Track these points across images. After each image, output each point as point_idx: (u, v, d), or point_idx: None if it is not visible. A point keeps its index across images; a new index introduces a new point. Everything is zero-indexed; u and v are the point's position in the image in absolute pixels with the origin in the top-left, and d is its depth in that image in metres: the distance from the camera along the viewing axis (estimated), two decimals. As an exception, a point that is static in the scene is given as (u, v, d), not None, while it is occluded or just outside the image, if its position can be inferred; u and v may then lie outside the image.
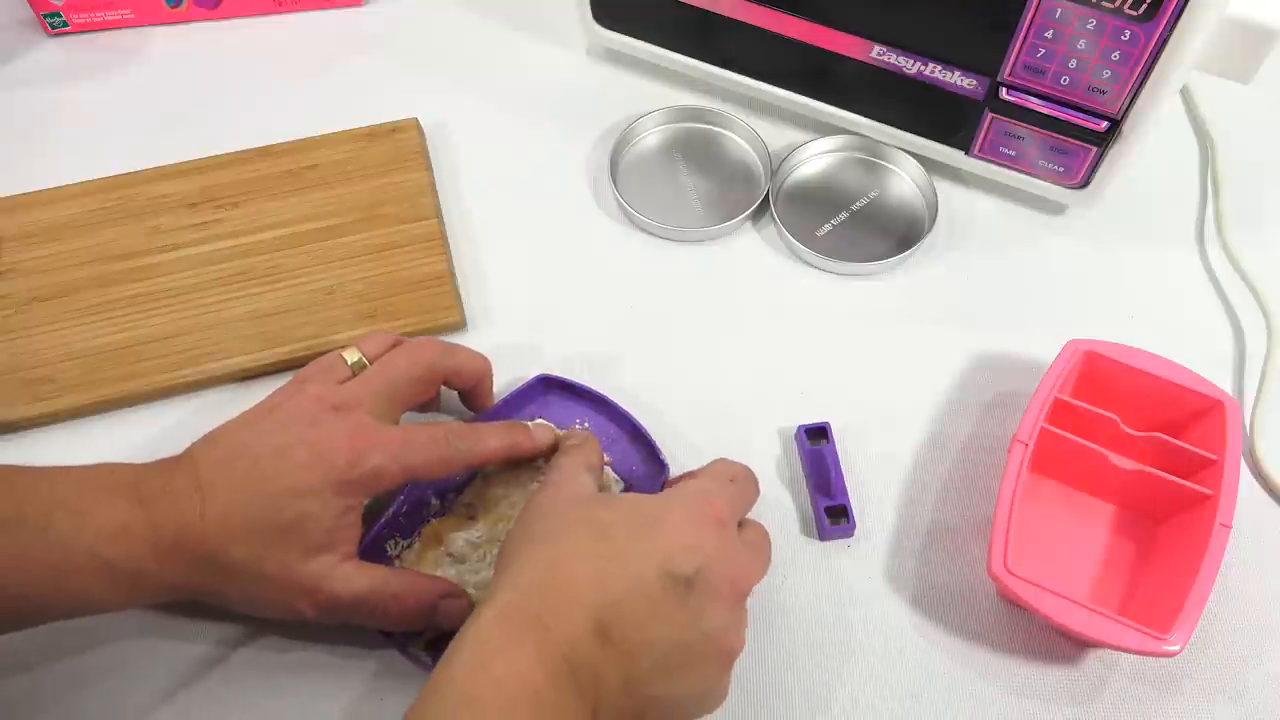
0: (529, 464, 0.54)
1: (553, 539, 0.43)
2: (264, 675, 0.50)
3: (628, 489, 0.54)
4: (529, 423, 0.53)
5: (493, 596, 0.41)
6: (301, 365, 0.58)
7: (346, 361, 0.51)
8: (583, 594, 0.40)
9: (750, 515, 0.50)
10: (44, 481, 0.45)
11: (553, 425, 0.54)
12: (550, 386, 0.57)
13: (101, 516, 0.44)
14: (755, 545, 0.47)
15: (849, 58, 0.60)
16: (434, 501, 0.54)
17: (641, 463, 0.55)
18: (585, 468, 0.49)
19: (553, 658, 0.39)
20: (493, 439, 0.50)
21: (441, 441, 0.49)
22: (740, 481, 0.49)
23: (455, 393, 0.56)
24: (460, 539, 0.52)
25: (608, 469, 0.54)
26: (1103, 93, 0.55)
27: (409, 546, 0.52)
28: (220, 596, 0.47)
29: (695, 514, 0.44)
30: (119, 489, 0.45)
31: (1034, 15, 0.53)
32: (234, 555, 0.45)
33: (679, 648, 0.41)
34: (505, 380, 0.57)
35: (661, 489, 0.53)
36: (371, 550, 0.51)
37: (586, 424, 0.56)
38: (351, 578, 0.46)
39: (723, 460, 0.50)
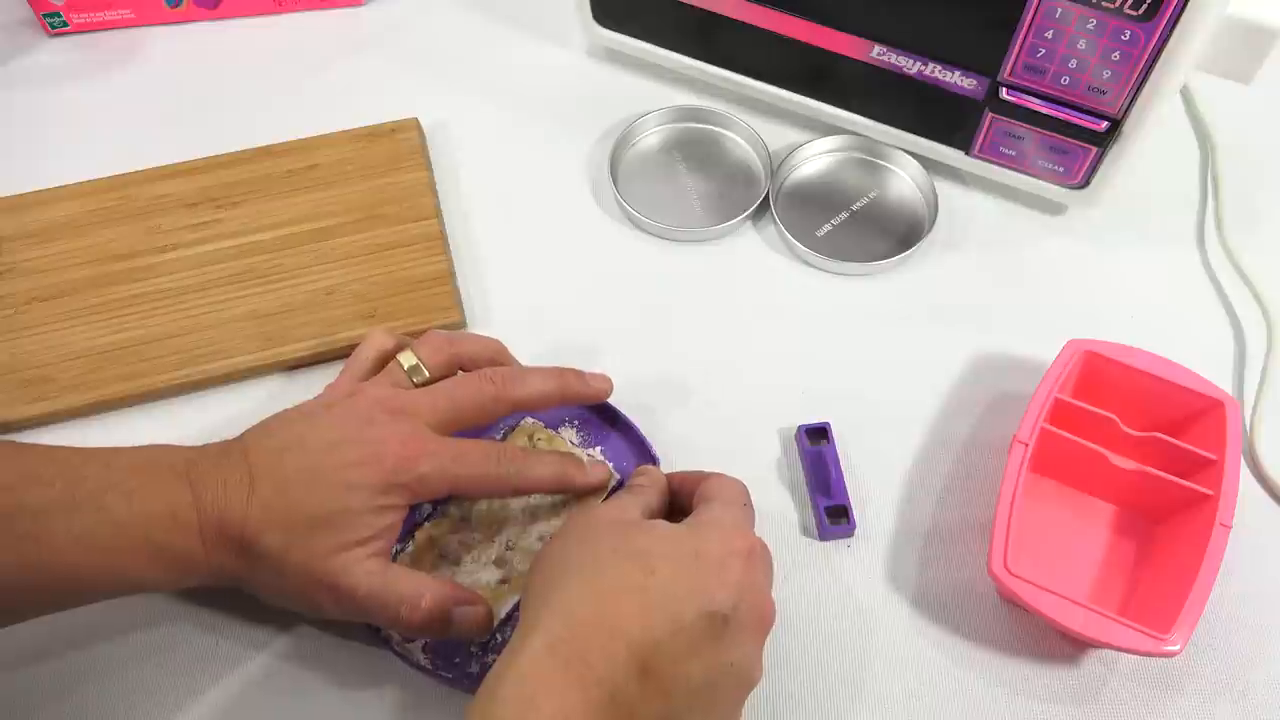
0: None
1: (598, 570, 0.43)
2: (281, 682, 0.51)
3: (620, 485, 0.54)
4: (587, 456, 0.54)
5: (537, 625, 0.41)
6: (302, 366, 0.59)
7: (403, 366, 0.51)
8: (628, 631, 0.40)
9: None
10: (95, 463, 0.46)
11: (609, 465, 0.53)
12: None
13: (152, 499, 0.45)
14: (768, 569, 0.47)
15: (849, 58, 0.60)
16: (426, 505, 0.53)
17: (633, 459, 0.55)
18: (643, 507, 0.48)
19: (598, 698, 0.39)
20: (544, 467, 0.50)
21: (493, 459, 0.49)
22: (749, 505, 0.49)
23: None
24: (454, 541, 0.52)
25: (597, 453, 0.55)
26: (1103, 93, 0.55)
27: (402, 550, 0.52)
28: (250, 584, 0.47)
29: (730, 548, 0.44)
30: (170, 472, 0.46)
31: (1034, 15, 0.53)
32: (265, 541, 0.45)
33: (711, 682, 0.41)
34: (505, 380, 0.57)
35: None
36: None
37: (577, 421, 0.56)
38: (372, 572, 0.46)
39: (725, 480, 0.49)
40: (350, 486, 0.46)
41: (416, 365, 0.51)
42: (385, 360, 0.52)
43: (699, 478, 0.50)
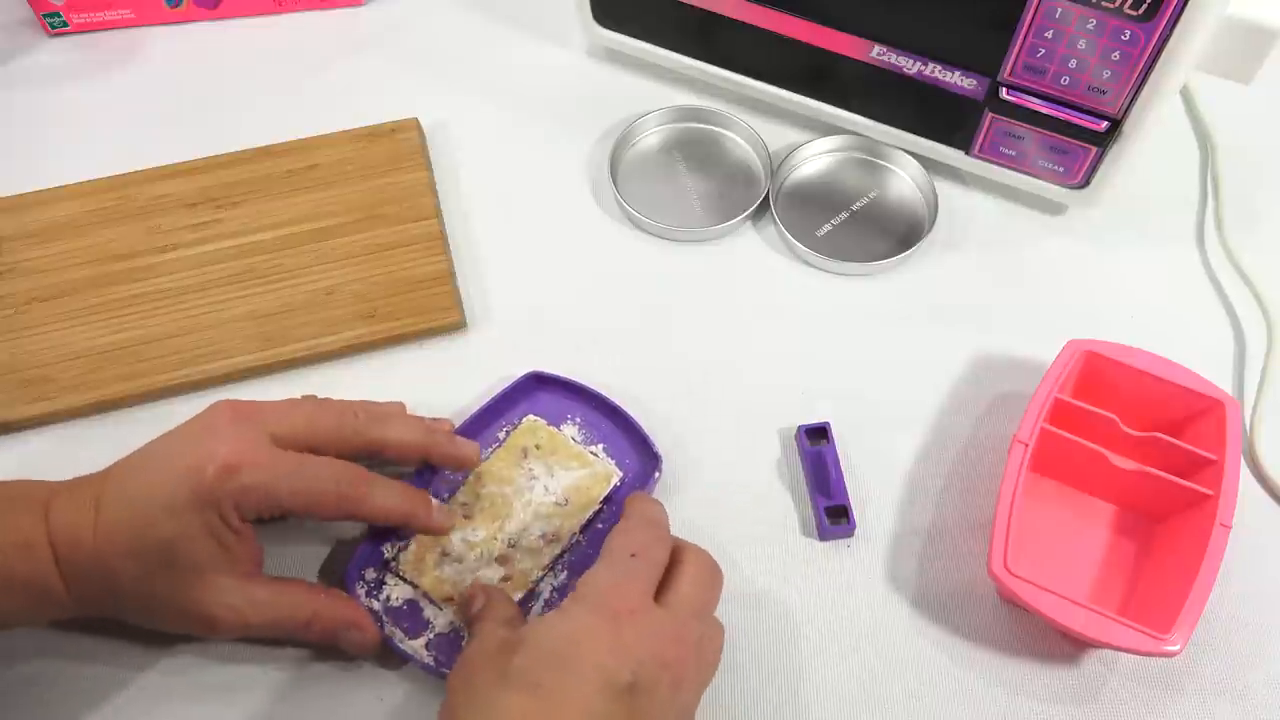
0: (521, 463, 0.54)
1: (485, 711, 0.40)
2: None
3: (624, 481, 0.54)
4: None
5: None
6: (302, 365, 0.58)
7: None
8: None
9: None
10: None
11: (457, 513, 0.52)
12: (541, 383, 0.57)
13: (8, 532, 0.43)
14: (685, 600, 0.44)
15: (849, 58, 0.60)
16: None
17: (635, 456, 0.55)
18: (502, 623, 0.46)
19: None
20: (390, 499, 0.48)
21: (332, 480, 0.46)
22: (643, 551, 0.45)
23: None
24: (456, 539, 0.52)
25: (599, 450, 0.55)
26: (1103, 93, 0.55)
27: (405, 549, 0.52)
28: (123, 614, 0.46)
29: (606, 616, 0.42)
30: (29, 504, 0.44)
31: (1034, 15, 0.53)
32: (123, 573, 0.43)
33: None
34: (503, 380, 0.57)
35: (655, 482, 0.53)
36: (368, 554, 0.52)
37: (578, 419, 0.56)
38: (254, 601, 0.45)
39: (620, 530, 0.46)
40: (171, 508, 0.43)
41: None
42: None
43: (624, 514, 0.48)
